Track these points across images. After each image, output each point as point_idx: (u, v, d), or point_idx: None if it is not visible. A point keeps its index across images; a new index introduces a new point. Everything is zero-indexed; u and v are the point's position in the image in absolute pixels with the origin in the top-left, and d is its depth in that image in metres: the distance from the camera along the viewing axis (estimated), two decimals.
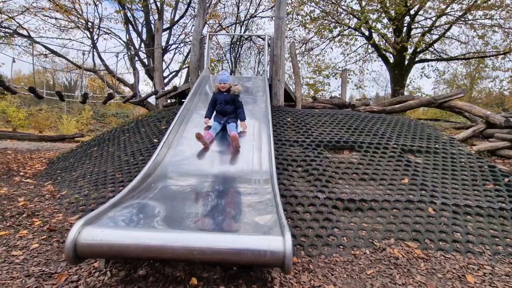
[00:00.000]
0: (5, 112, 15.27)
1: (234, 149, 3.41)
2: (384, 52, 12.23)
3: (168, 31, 13.20)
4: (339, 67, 14.03)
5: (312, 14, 12.39)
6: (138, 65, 12.94)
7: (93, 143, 5.31)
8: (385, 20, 11.41)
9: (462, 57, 12.44)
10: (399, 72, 11.72)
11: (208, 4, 12.25)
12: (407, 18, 11.24)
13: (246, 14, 14.86)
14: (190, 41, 11.35)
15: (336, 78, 14.11)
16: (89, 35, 12.47)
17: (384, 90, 25.18)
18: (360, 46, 13.72)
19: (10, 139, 10.25)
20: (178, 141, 3.56)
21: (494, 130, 4.66)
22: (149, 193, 2.45)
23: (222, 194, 2.57)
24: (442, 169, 3.53)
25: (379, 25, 11.27)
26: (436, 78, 16.30)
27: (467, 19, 10.99)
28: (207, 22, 13.40)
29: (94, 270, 1.84)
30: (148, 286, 1.69)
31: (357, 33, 12.65)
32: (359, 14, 11.28)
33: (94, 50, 12.09)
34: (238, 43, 15.34)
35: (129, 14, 12.39)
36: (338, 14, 12.52)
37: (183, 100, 6.31)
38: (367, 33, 12.30)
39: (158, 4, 12.32)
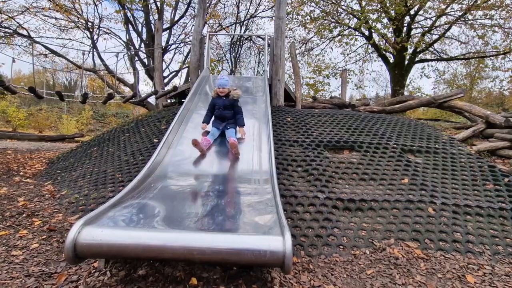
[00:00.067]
0: (5, 112, 15.27)
1: (233, 156, 3.30)
2: (384, 52, 12.23)
3: (168, 31, 13.20)
4: (339, 67, 14.04)
5: (312, 14, 12.40)
6: (138, 65, 12.95)
7: (93, 143, 5.31)
8: (385, 20, 11.41)
9: (462, 57, 12.44)
10: (399, 72, 11.72)
11: (208, 4, 12.25)
12: (407, 18, 11.25)
13: (246, 14, 14.87)
14: (190, 41, 11.36)
15: (336, 78, 14.12)
16: (89, 35, 12.48)
17: (384, 90, 25.19)
18: (360, 46, 13.74)
19: (10, 139, 10.25)
20: (178, 141, 3.55)
21: (494, 130, 4.66)
22: (149, 193, 2.45)
23: (222, 194, 2.57)
24: (442, 169, 3.53)
25: (379, 25, 11.28)
26: (436, 78, 16.30)
27: (467, 19, 10.99)
28: (207, 22, 13.40)
29: (94, 270, 1.84)
30: (148, 286, 1.69)
31: (357, 33, 12.65)
32: (359, 14, 11.28)
33: (94, 50, 12.11)
34: (238, 43, 15.35)
35: (129, 14, 12.39)
36: (338, 14, 12.52)
37: (183, 100, 6.30)
38: (367, 33, 12.30)
39: (158, 4, 12.33)
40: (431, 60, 12.92)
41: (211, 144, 3.47)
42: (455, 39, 12.59)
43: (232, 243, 1.58)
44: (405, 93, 12.12)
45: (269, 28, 24.02)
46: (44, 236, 2.28)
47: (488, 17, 10.70)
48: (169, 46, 13.38)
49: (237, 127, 3.66)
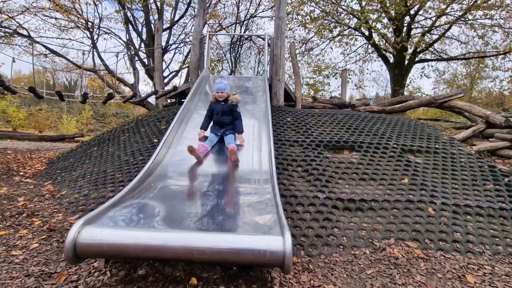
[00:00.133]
0: (5, 112, 15.28)
1: (232, 163, 3.15)
2: (384, 52, 12.23)
3: (168, 31, 13.21)
4: (339, 67, 14.05)
5: (312, 14, 12.40)
6: (138, 65, 12.96)
7: (93, 143, 5.31)
8: (385, 20, 11.42)
9: (462, 57, 12.44)
10: (399, 72, 11.72)
11: (208, 4, 12.25)
12: (407, 18, 11.25)
13: (246, 14, 14.88)
14: (190, 41, 11.36)
15: (336, 78, 14.13)
16: (89, 35, 12.48)
17: (384, 90, 25.19)
18: (360, 46, 13.74)
19: (10, 139, 10.25)
20: (178, 141, 3.55)
21: (494, 130, 4.66)
22: (149, 193, 2.45)
23: (222, 193, 2.57)
24: (442, 169, 3.53)
25: (379, 25, 11.28)
26: (436, 78, 16.31)
27: (467, 19, 10.99)
28: (207, 22, 13.40)
29: (93, 270, 1.84)
30: (148, 286, 1.69)
31: (357, 33, 12.65)
32: (359, 14, 11.28)
33: (94, 50, 12.11)
34: (238, 43, 15.35)
35: (129, 14, 12.40)
36: (338, 14, 12.52)
37: (183, 100, 6.31)
38: (367, 33, 12.31)
39: (158, 4, 12.33)
40: (431, 60, 12.92)
41: (209, 151, 3.35)
42: (455, 39, 12.60)
43: (232, 243, 1.58)
44: (405, 93, 12.12)
45: (269, 28, 24.03)
46: (44, 236, 2.28)
47: (488, 17, 10.70)
48: (169, 46, 13.38)
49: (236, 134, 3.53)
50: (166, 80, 12.48)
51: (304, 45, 14.32)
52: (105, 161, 4.11)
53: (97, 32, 12.59)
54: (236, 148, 3.16)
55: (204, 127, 3.65)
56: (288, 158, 3.58)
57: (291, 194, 2.88)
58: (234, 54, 15.61)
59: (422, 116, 16.75)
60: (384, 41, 12.01)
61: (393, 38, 11.32)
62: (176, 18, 13.21)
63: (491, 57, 11.90)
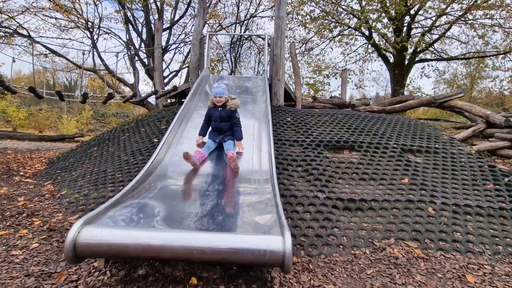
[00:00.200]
0: (5, 112, 15.28)
1: (232, 171, 2.99)
2: (384, 52, 12.23)
3: (168, 31, 13.21)
4: (339, 67, 14.05)
5: (312, 14, 12.40)
6: (138, 65, 12.96)
7: (93, 143, 5.31)
8: (385, 20, 11.42)
9: (462, 57, 12.45)
10: (399, 72, 11.72)
11: (208, 4, 12.25)
12: (407, 18, 11.25)
13: (246, 14, 14.88)
14: (190, 41, 11.36)
15: (336, 78, 14.13)
16: (89, 35, 12.48)
17: (384, 90, 25.20)
18: (360, 46, 13.75)
19: (10, 139, 10.25)
20: (178, 141, 3.55)
21: (494, 130, 4.66)
22: (149, 192, 2.45)
23: (222, 193, 2.57)
24: (442, 169, 3.52)
25: (379, 25, 11.28)
26: (436, 78, 16.35)
27: (467, 19, 10.99)
28: (207, 22, 13.40)
29: (93, 270, 1.84)
30: (148, 286, 1.69)
31: (357, 33, 12.65)
32: (359, 14, 11.28)
33: (94, 50, 12.11)
34: (238, 43, 15.35)
35: (129, 14, 12.40)
36: (338, 14, 12.52)
37: (183, 100, 6.30)
38: (367, 33, 12.31)
39: (158, 4, 12.33)
40: (431, 60, 12.92)
41: (206, 158, 3.20)
42: (455, 39, 12.60)
43: (232, 243, 1.57)
44: (405, 93, 12.12)
45: (269, 28, 24.04)
46: (44, 236, 2.28)
47: (488, 16, 10.70)
48: (169, 46, 13.38)
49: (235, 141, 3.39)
50: (166, 80, 12.48)
51: (304, 45, 14.33)
52: (105, 161, 4.11)
53: (97, 32, 12.60)
54: (236, 156, 3.02)
55: (202, 134, 3.51)
56: (288, 158, 3.58)
57: (291, 194, 2.88)
58: (234, 54, 15.62)
59: (422, 116, 16.76)
60: (384, 41, 12.01)
61: (393, 38, 11.33)
62: (176, 18, 13.22)
63: (491, 57, 11.91)
